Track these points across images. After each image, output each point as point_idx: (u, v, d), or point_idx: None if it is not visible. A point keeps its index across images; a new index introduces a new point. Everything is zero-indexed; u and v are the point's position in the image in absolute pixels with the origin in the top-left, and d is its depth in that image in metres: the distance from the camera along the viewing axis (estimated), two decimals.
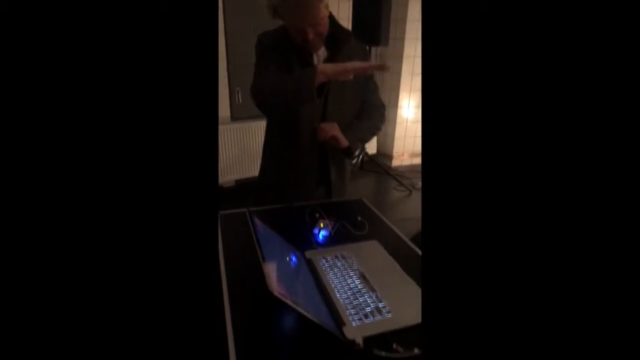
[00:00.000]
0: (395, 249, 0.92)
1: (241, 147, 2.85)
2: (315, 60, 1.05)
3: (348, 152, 1.15)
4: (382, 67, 0.95)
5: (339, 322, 0.67)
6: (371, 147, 3.55)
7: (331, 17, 1.02)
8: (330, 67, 0.94)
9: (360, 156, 3.31)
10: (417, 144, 3.66)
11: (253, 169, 2.87)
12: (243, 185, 2.88)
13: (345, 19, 2.91)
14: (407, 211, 2.75)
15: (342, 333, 0.65)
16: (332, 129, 1.07)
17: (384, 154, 3.66)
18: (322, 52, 1.07)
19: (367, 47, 2.29)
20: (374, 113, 1.21)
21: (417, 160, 3.69)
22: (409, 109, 3.48)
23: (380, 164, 3.32)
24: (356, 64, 0.94)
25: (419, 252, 0.92)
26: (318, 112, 1.09)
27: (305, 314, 0.58)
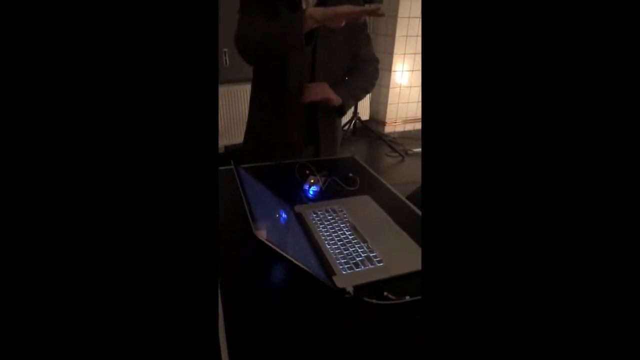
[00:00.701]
0: (388, 204, 0.90)
1: (230, 112, 2.77)
2: (304, 5, 0.98)
3: (340, 111, 1.10)
4: (377, 11, 0.88)
5: (329, 271, 0.65)
6: (364, 113, 3.48)
7: None
8: (320, 11, 0.86)
9: (353, 122, 3.25)
10: (410, 110, 3.60)
11: (242, 135, 2.80)
12: (233, 152, 2.82)
13: None
14: (400, 177, 2.75)
15: (333, 282, 0.63)
16: (323, 90, 1.01)
17: (377, 120, 3.60)
18: None
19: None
20: (366, 68, 1.15)
21: (410, 127, 3.64)
22: (402, 74, 3.39)
23: (372, 130, 3.27)
24: (348, 8, 0.87)
25: (413, 207, 0.90)
26: (307, 62, 1.03)
27: (294, 261, 0.56)
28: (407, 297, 0.61)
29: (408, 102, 3.56)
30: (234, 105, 2.77)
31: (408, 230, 0.78)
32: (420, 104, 3.61)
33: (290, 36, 0.87)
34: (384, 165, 2.95)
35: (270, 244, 0.53)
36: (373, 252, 0.70)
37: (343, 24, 0.88)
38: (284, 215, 0.79)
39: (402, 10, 3.11)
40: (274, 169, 1.07)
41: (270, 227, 0.64)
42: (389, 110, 3.51)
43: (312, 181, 0.95)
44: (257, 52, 0.95)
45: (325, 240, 0.74)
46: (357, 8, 0.88)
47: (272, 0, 0.96)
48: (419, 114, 3.65)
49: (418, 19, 3.17)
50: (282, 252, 0.54)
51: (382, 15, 0.88)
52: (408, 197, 1.00)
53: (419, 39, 3.28)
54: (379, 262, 0.68)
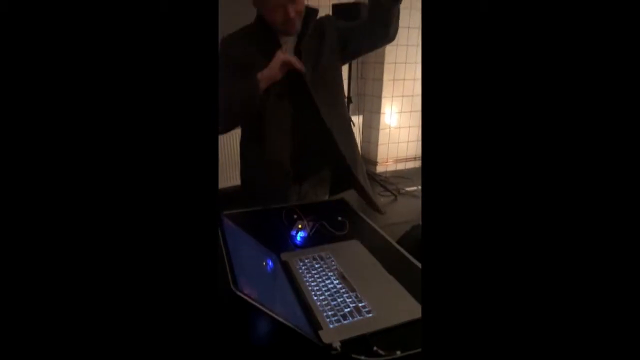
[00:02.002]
0: (378, 249, 0.87)
1: (225, 153, 2.77)
2: (284, 49, 1.01)
3: None
4: (294, 64, 0.96)
5: (315, 325, 0.62)
6: None
7: None
8: (266, 72, 0.95)
9: None
10: (400, 150, 3.66)
11: (236, 177, 2.79)
12: (226, 195, 2.80)
13: None
14: (393, 216, 2.72)
15: (319, 337, 0.59)
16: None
17: (368, 160, 3.64)
18: (290, 40, 1.03)
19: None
20: None
21: (402, 166, 3.68)
22: (391, 115, 3.48)
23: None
24: (276, 61, 0.95)
25: (403, 252, 0.88)
26: (288, 109, 1.05)
27: (275, 316, 0.52)
28: (398, 352, 0.57)
29: (398, 142, 3.62)
30: (229, 147, 2.78)
31: (398, 277, 0.75)
32: (410, 144, 3.68)
33: (247, 102, 0.98)
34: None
35: (248, 299, 0.50)
36: (362, 302, 0.67)
37: (286, 70, 0.96)
38: (270, 264, 0.77)
39: (389, 57, 3.26)
40: (260, 214, 1.06)
41: (253, 278, 0.61)
42: (380, 150, 3.56)
43: (299, 227, 0.93)
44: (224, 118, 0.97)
45: (312, 290, 0.71)
46: (291, 58, 0.96)
47: (250, 53, 1.00)
48: (409, 153, 3.71)
49: (404, 64, 3.33)
50: (262, 308, 0.51)
51: (300, 70, 0.96)
52: (399, 240, 0.98)
53: (405, 82, 3.42)
54: (367, 312, 0.65)
